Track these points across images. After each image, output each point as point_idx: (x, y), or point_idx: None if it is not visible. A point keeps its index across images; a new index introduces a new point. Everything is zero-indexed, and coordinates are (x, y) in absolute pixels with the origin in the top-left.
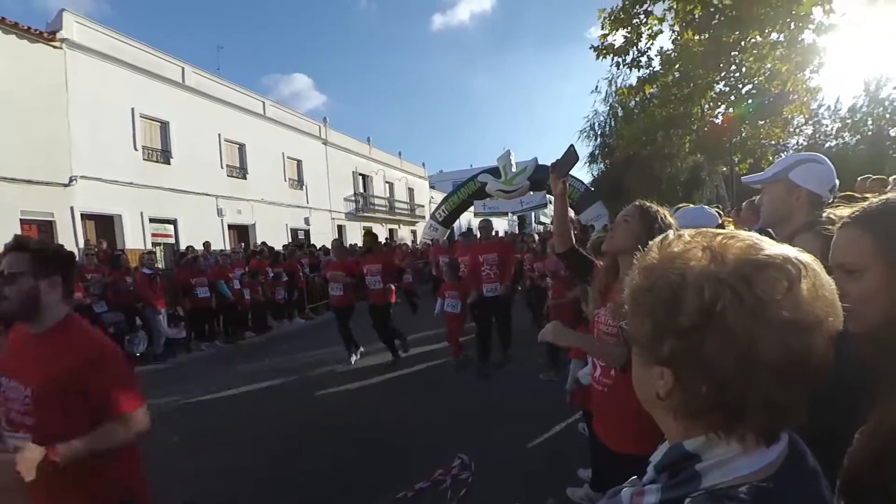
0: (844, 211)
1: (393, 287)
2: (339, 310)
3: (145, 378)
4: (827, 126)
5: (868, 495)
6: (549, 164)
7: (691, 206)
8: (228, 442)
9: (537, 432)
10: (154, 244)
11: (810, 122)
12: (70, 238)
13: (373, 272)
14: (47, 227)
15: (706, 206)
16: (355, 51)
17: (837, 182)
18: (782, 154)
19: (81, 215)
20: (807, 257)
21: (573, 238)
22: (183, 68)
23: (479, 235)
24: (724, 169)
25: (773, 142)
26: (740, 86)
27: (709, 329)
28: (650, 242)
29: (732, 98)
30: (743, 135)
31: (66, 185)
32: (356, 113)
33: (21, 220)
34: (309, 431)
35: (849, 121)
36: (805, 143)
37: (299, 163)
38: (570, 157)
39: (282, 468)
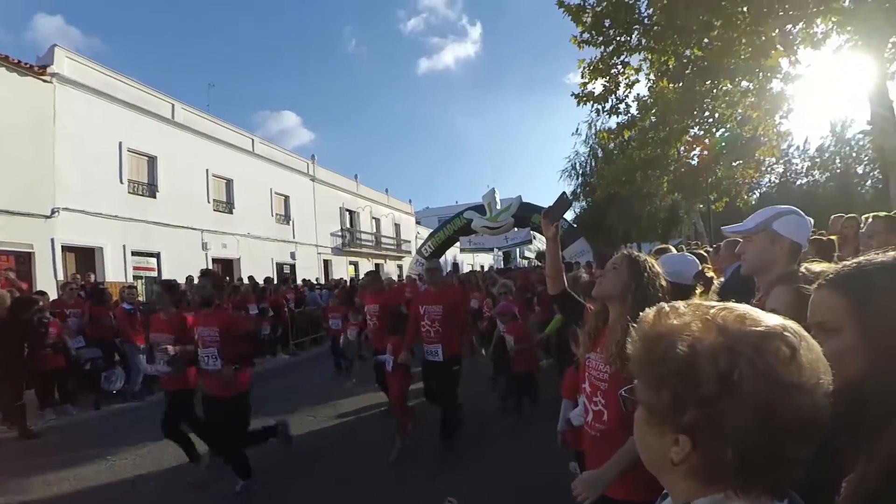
0: (818, 266)
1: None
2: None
3: (120, 416)
4: (797, 165)
5: None
6: (532, 201)
7: (673, 251)
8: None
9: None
10: (136, 277)
11: (781, 162)
12: (49, 270)
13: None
14: (25, 259)
15: (687, 254)
16: (343, 90)
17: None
18: (756, 192)
19: (62, 247)
20: (796, 325)
21: (565, 281)
22: (173, 105)
23: (424, 278)
24: (702, 206)
25: (746, 181)
26: (714, 130)
27: (728, 397)
28: (644, 313)
29: (707, 141)
30: (718, 175)
31: (47, 217)
32: (344, 150)
33: None
34: (289, 470)
35: (818, 160)
36: (777, 181)
37: (286, 198)
38: (563, 203)
39: None
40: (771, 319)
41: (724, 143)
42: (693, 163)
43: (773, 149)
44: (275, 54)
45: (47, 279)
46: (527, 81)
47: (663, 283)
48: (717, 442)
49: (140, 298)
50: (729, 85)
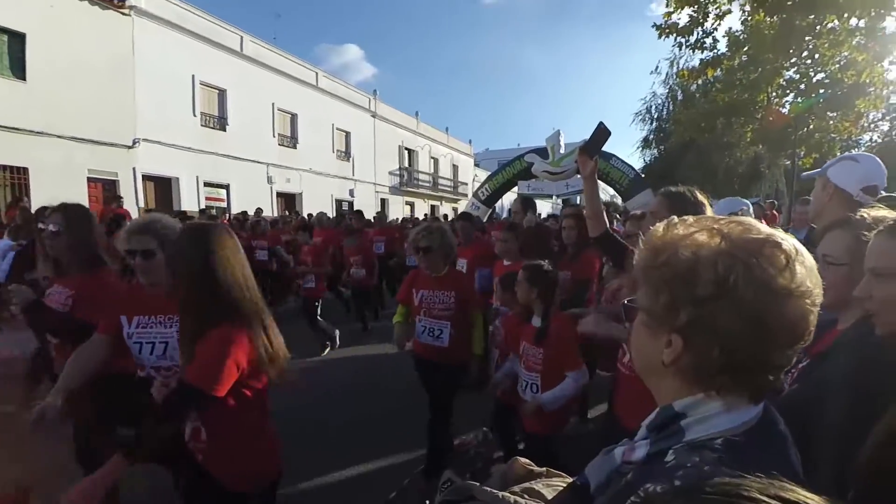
0: (879, 213)
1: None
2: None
3: None
4: None
5: (887, 476)
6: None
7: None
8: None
9: None
10: (208, 207)
11: (887, 118)
12: (131, 197)
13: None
14: (111, 186)
15: (740, 198)
16: (407, 23)
17: (881, 183)
18: (852, 151)
19: (143, 176)
20: (796, 241)
21: (606, 222)
22: (241, 37)
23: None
24: (787, 162)
25: (843, 136)
26: (811, 73)
27: (722, 299)
28: (654, 227)
29: (802, 86)
30: (810, 127)
31: (129, 147)
32: (405, 86)
33: (88, 178)
34: (342, 393)
35: None
36: (879, 141)
37: (348, 134)
38: (601, 134)
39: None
40: (772, 231)
41: (821, 92)
42: (783, 110)
43: (877, 99)
44: None
45: (130, 207)
46: (602, 11)
47: (710, 212)
48: (706, 342)
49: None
50: (835, 21)
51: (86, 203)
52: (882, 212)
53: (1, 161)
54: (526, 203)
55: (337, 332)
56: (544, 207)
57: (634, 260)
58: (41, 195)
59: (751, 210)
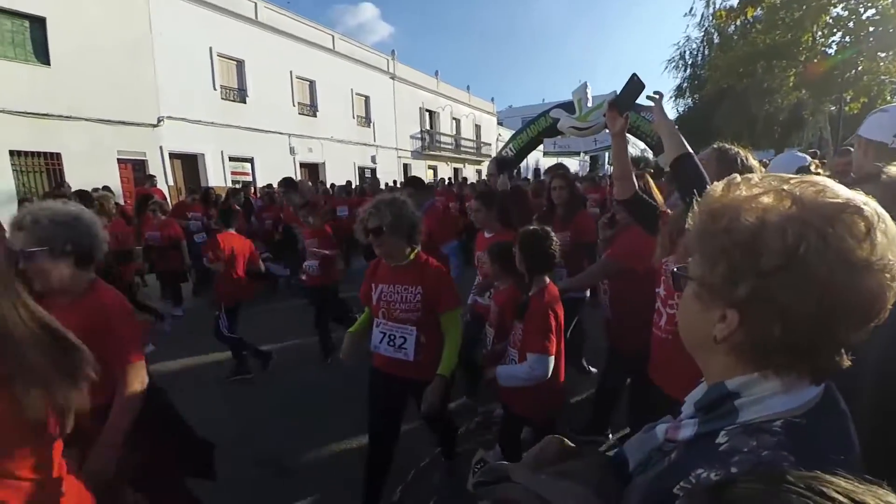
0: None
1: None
2: None
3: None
4: None
5: None
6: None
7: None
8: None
9: None
10: (234, 182)
11: None
12: (161, 176)
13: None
14: (140, 166)
15: (799, 153)
16: None
17: None
18: None
19: (169, 154)
20: (877, 205)
21: (636, 183)
22: (256, 4)
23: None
24: (833, 108)
25: (894, 78)
26: (861, 10)
27: (790, 271)
28: (712, 186)
29: (850, 24)
30: (858, 69)
31: (154, 126)
32: (423, 45)
33: (118, 159)
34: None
35: None
36: None
37: (367, 99)
38: (634, 87)
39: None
40: (852, 194)
41: (841, 57)
42: (830, 51)
43: None
44: None
45: (160, 184)
46: None
47: (755, 166)
48: (767, 318)
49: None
50: None
51: (118, 184)
52: None
53: (36, 147)
54: (501, 164)
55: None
56: (572, 165)
57: (688, 223)
58: (75, 179)
59: (806, 161)
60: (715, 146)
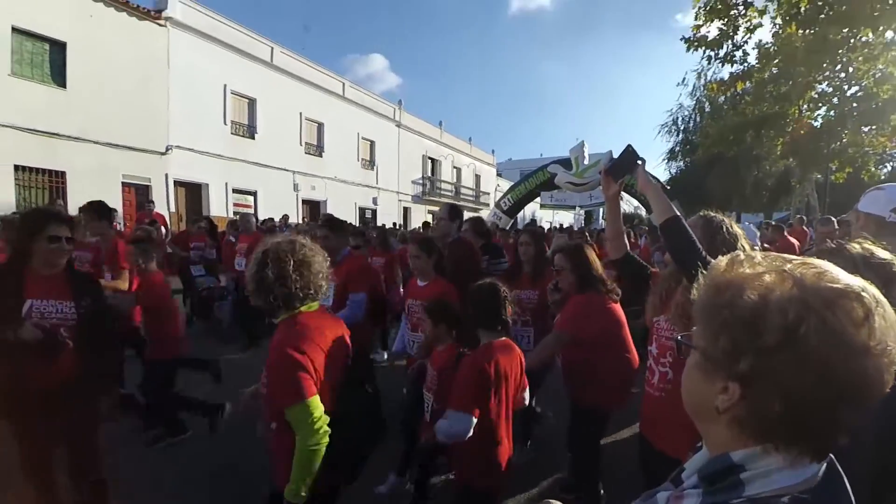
0: (866, 245)
1: None
2: None
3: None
4: None
5: None
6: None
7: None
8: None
9: None
10: (235, 213)
11: None
12: (163, 202)
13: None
14: (144, 191)
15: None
16: (432, 33)
17: None
18: (888, 165)
19: (174, 182)
20: (876, 290)
21: (627, 244)
22: (272, 48)
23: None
24: (819, 176)
25: (877, 150)
26: (845, 87)
27: (790, 350)
28: (717, 260)
29: (835, 100)
30: (844, 140)
31: (162, 154)
32: (429, 96)
33: (122, 182)
34: None
35: None
36: None
37: (372, 143)
38: (628, 157)
39: None
40: (851, 279)
41: (832, 113)
42: (816, 124)
43: None
44: None
45: (161, 211)
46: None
47: (744, 244)
48: (767, 394)
49: None
50: (870, 35)
51: (120, 207)
52: (867, 244)
53: (41, 164)
54: (453, 212)
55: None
56: (567, 218)
57: (693, 295)
58: (78, 198)
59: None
60: (701, 214)
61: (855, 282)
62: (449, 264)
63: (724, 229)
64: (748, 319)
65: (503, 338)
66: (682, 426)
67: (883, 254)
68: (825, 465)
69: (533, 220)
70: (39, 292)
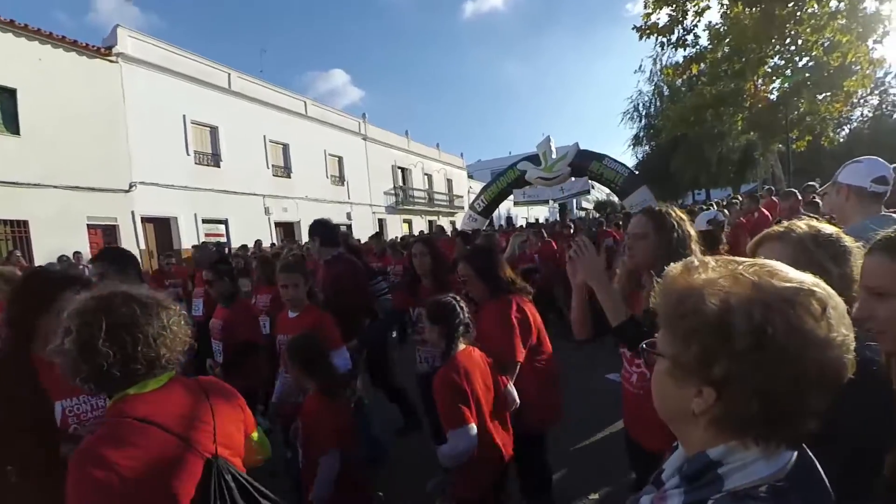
0: (812, 223)
1: None
2: None
3: None
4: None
5: None
6: (590, 148)
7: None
8: None
9: None
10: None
11: (876, 92)
12: (132, 241)
13: None
14: (111, 231)
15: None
16: (390, 44)
17: (889, 174)
18: (845, 128)
19: (142, 218)
20: (823, 283)
21: (591, 329)
22: (229, 74)
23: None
24: (781, 146)
25: (833, 116)
26: (796, 59)
27: (761, 351)
28: (671, 267)
29: (788, 72)
30: (801, 110)
31: (126, 191)
32: (393, 106)
33: (88, 225)
34: None
35: None
36: (870, 115)
37: (340, 159)
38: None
39: None
40: (801, 276)
41: (787, 84)
42: (772, 97)
43: (864, 79)
44: (320, 9)
45: (132, 249)
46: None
47: (691, 232)
48: (743, 394)
49: None
50: (815, 6)
51: (87, 250)
52: (812, 221)
53: (1, 216)
54: (313, 227)
55: None
56: (541, 212)
57: (652, 302)
58: (43, 246)
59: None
60: (644, 216)
61: (806, 278)
62: (326, 286)
63: (677, 226)
64: (715, 325)
65: (464, 346)
66: (663, 423)
67: (828, 229)
68: (796, 451)
69: (509, 219)
70: (65, 388)
